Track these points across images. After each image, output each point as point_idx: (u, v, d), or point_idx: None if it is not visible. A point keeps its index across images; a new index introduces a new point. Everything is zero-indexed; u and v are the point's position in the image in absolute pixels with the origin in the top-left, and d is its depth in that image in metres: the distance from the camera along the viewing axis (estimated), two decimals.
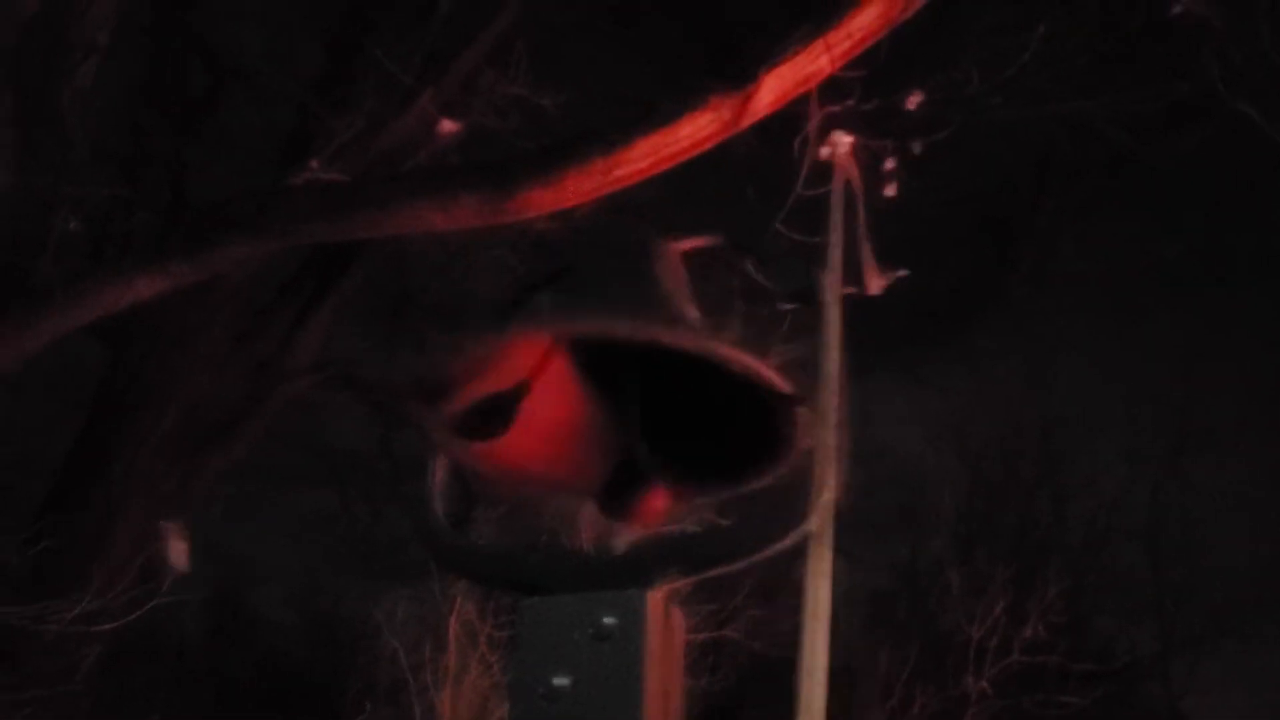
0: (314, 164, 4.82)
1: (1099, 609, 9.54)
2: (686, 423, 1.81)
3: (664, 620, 1.64)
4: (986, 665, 6.27)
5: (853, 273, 1.77)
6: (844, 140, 1.61)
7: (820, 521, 1.64)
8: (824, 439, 1.66)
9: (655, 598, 1.62)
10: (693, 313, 1.88)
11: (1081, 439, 11.15)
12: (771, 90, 3.54)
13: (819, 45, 3.50)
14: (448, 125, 5.03)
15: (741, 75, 3.47)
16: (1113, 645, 9.40)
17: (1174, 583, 11.11)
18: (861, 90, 3.80)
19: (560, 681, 1.55)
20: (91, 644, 4.79)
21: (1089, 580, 9.24)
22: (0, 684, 4.15)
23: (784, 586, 6.58)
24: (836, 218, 1.63)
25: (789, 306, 1.73)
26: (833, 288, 1.68)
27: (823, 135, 3.70)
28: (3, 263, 4.60)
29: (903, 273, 1.83)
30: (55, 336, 4.39)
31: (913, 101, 3.98)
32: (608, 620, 1.58)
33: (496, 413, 1.71)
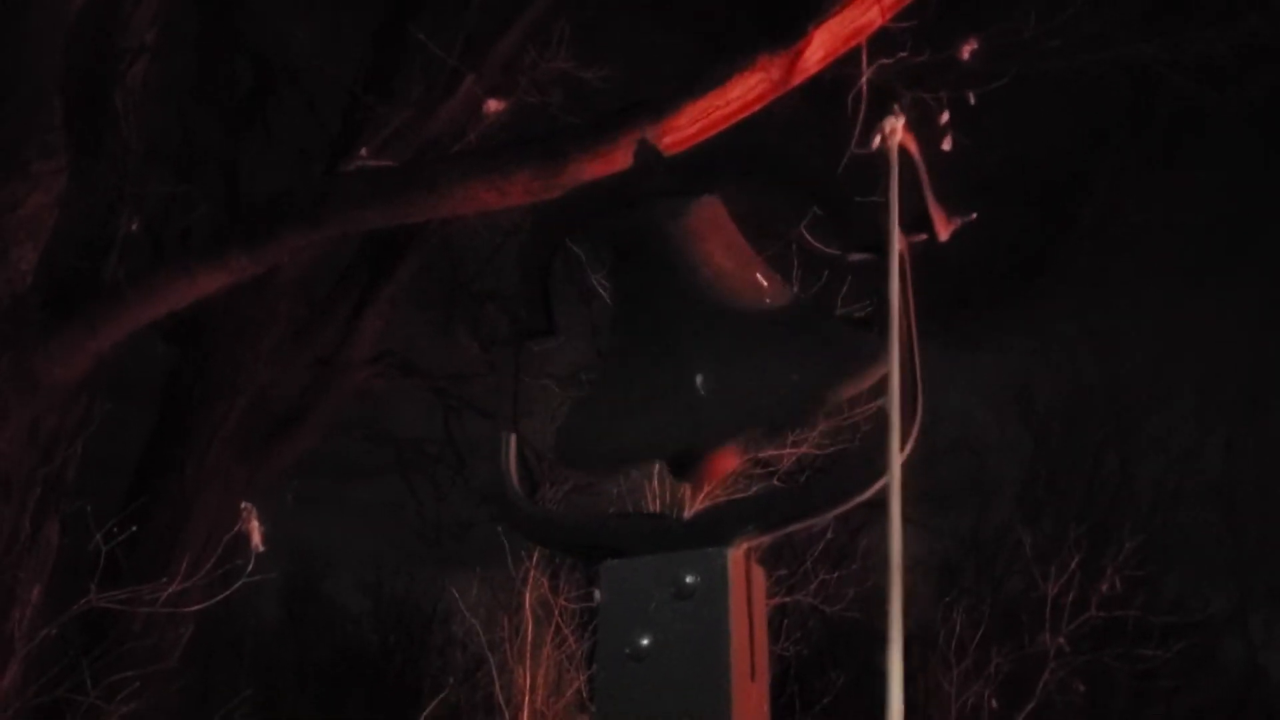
0: (364, 152, 4.87)
1: (1173, 566, 9.35)
2: (753, 353, 1.77)
3: (745, 577, 1.63)
4: (1063, 622, 6.18)
5: (921, 224, 1.72)
6: (896, 125, 1.55)
7: (895, 474, 1.60)
8: (895, 394, 1.62)
9: (735, 555, 1.61)
10: (759, 277, 1.85)
11: (1150, 398, 10.86)
12: (821, 46, 3.48)
13: None
14: (493, 105, 5.05)
15: (790, 32, 3.41)
16: (1189, 601, 9.23)
17: (1250, 538, 10.83)
18: (913, 42, 3.72)
19: (645, 641, 1.55)
20: (181, 625, 4.95)
21: (1162, 538, 9.04)
22: (98, 665, 4.30)
23: (853, 551, 6.55)
24: (893, 213, 1.58)
25: (858, 257, 1.68)
26: (893, 275, 1.62)
27: (875, 93, 3.63)
28: (69, 266, 4.72)
29: (972, 216, 1.76)
30: (125, 334, 4.50)
31: (967, 51, 3.88)
32: (689, 579, 1.58)
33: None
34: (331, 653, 10.43)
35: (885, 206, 1.69)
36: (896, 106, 1.67)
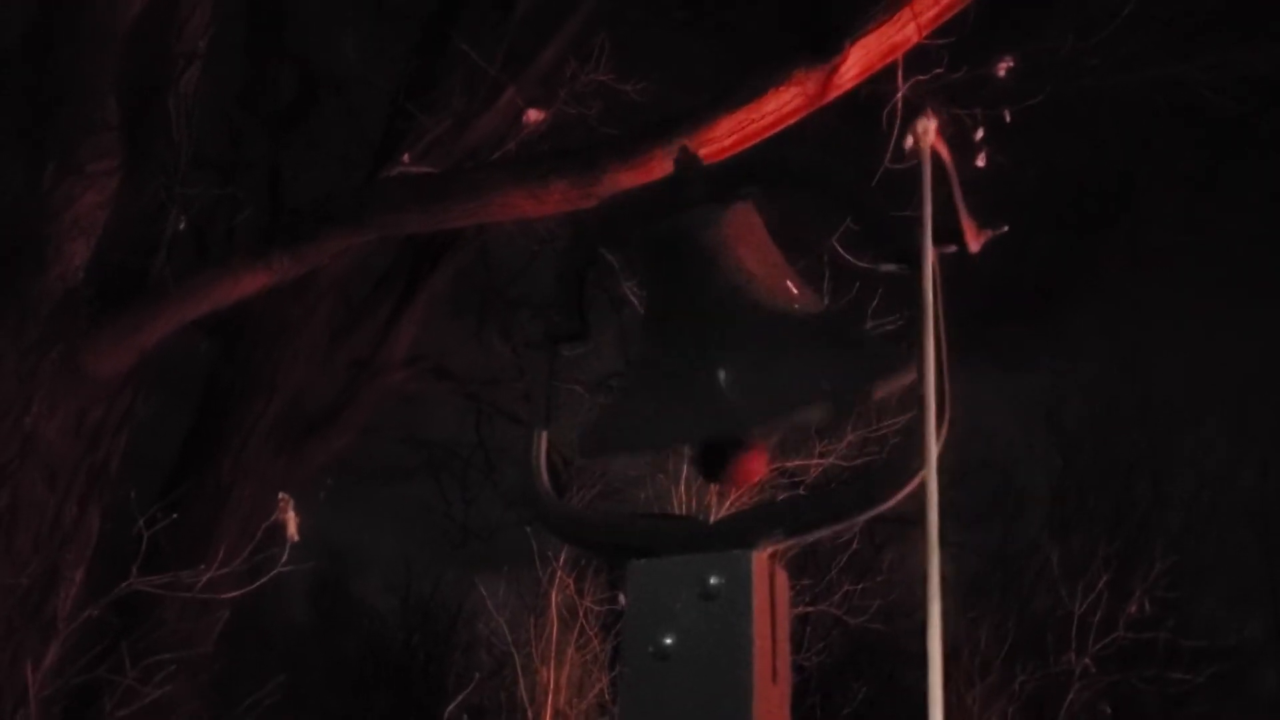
0: (405, 159, 4.97)
1: (1205, 591, 9.21)
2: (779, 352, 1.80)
3: (769, 581, 1.67)
4: (1090, 642, 6.12)
5: (952, 236, 1.75)
6: (929, 126, 1.56)
7: (926, 483, 1.62)
8: (926, 406, 1.66)
9: (760, 558, 1.66)
10: (790, 284, 1.89)
11: (1182, 418, 10.73)
12: (857, 62, 3.52)
13: (905, 13, 3.46)
14: (533, 115, 5.13)
15: (826, 47, 3.45)
16: (1222, 626, 9.08)
17: None
18: (949, 58, 3.75)
19: (669, 640, 1.60)
20: (216, 612, 5.07)
21: (1195, 560, 8.92)
22: (136, 648, 4.42)
23: (877, 564, 6.54)
24: (926, 212, 1.61)
25: (889, 268, 1.72)
26: (927, 279, 1.64)
27: (910, 107, 3.66)
28: (117, 264, 4.86)
29: (1004, 229, 1.79)
30: (169, 330, 4.62)
31: (1003, 68, 3.91)
32: (714, 580, 1.63)
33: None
34: (358, 650, 10.55)
35: (918, 217, 1.73)
36: (929, 109, 1.70)
